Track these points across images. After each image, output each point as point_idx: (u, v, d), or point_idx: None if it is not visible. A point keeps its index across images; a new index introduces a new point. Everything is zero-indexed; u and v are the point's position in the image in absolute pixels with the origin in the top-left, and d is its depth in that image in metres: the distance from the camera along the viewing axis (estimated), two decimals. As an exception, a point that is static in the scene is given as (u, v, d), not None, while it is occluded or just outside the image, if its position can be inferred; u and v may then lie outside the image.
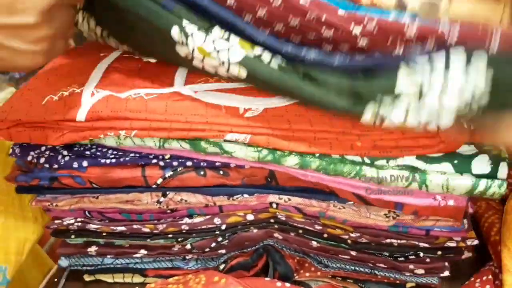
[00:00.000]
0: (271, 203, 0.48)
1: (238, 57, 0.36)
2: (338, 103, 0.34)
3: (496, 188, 0.38)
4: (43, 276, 0.63)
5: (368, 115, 0.34)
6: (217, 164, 0.43)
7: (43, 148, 0.46)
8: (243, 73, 0.36)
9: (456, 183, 0.38)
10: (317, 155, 0.40)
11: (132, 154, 0.44)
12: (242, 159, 0.41)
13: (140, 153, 0.44)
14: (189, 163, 0.43)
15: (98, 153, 0.44)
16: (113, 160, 0.44)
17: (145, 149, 0.44)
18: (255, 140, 0.40)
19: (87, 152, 0.44)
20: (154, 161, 0.43)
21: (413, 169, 0.39)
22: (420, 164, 0.38)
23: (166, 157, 0.44)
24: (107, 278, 0.61)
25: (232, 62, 0.36)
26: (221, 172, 0.44)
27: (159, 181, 0.44)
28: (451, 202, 0.40)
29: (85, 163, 0.44)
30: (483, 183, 0.38)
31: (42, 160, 0.46)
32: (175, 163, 0.43)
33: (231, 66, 0.36)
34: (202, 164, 0.43)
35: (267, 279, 0.53)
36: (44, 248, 0.63)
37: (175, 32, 0.36)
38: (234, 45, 0.36)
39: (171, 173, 0.44)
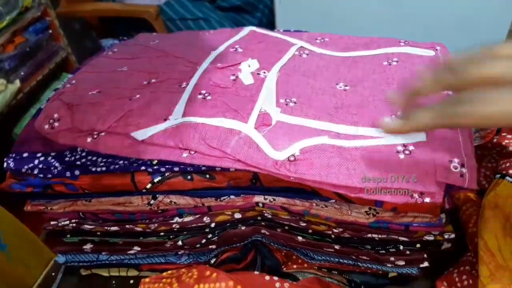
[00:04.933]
0: (257, 203, 0.50)
1: None
2: None
3: None
4: (43, 266, 0.65)
5: None
6: (203, 168, 0.45)
7: (36, 162, 0.48)
8: None
9: None
10: None
11: (121, 162, 0.46)
12: None
13: (129, 160, 0.46)
14: (176, 169, 0.45)
15: (89, 163, 0.46)
16: (104, 168, 0.45)
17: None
18: None
19: (78, 162, 0.46)
20: (143, 167, 0.45)
21: None
22: None
23: (154, 162, 0.45)
24: (103, 272, 0.63)
25: None
26: (208, 176, 0.46)
27: (148, 186, 0.46)
28: (427, 199, 0.41)
29: (76, 172, 0.46)
30: None
31: (36, 171, 0.48)
32: (162, 169, 0.45)
33: None
34: (188, 169, 0.45)
35: (256, 273, 0.56)
36: (40, 237, 0.65)
37: None
38: None
39: (159, 178, 0.46)
